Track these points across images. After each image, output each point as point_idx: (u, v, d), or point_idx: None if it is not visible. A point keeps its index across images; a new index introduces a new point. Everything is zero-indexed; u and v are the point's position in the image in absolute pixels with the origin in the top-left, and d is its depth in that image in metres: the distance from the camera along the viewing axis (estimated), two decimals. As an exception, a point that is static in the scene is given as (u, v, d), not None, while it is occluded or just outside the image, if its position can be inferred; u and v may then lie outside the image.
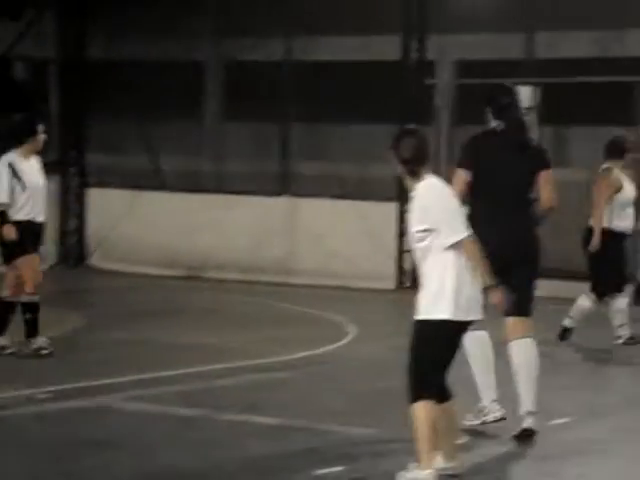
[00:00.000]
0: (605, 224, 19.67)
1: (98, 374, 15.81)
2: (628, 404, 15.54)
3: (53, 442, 12.72)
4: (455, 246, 11.08)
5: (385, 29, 26.08)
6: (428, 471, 10.94)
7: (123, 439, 13.07)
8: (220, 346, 17.98)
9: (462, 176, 13.64)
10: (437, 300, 11.16)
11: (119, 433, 13.39)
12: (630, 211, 20.06)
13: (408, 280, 25.39)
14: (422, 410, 11.04)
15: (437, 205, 11.02)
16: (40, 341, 17.27)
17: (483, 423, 14.11)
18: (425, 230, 10.90)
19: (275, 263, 25.89)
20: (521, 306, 13.26)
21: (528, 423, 13.47)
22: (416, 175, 10.98)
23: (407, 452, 12.17)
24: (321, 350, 18.49)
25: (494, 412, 14.04)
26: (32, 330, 17.35)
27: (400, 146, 11.12)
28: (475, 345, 13.59)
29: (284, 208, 26.58)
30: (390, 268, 25.78)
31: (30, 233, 16.69)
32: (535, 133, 24.65)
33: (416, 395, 11.03)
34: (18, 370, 16.45)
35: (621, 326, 19.81)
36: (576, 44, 26.28)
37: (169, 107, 29.10)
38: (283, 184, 27.28)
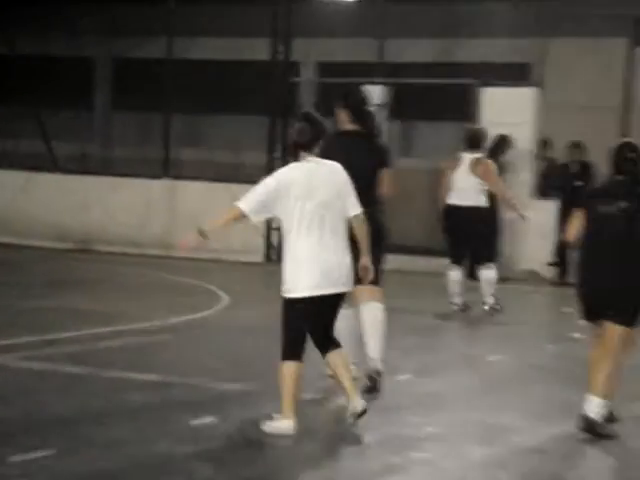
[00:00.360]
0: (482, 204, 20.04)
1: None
2: (464, 363, 15.77)
3: None
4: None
5: (256, 33, 26.12)
6: (288, 421, 11.17)
7: (17, 393, 13.03)
8: (107, 311, 18.03)
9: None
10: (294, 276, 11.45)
11: (13, 388, 13.26)
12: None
13: (274, 254, 25.58)
14: (287, 369, 11.26)
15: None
16: None
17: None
18: None
19: (156, 239, 25.91)
20: (373, 277, 13.10)
21: (374, 374, 13.73)
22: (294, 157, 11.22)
23: (273, 405, 12.23)
24: (197, 315, 18.54)
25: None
26: None
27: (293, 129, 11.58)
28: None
29: (164, 190, 26.63)
30: (259, 243, 25.76)
31: None
32: (385, 128, 24.66)
33: (284, 356, 11.21)
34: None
35: (488, 296, 20.10)
36: (421, 50, 26.42)
37: (63, 98, 28.99)
38: (164, 168, 27.18)
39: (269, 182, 11.29)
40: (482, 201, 20.00)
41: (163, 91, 27.40)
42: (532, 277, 23.96)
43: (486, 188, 19.91)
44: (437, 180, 21.16)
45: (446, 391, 13.76)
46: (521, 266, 24.09)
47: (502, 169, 21.92)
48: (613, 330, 11.34)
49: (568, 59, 25.29)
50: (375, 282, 13.47)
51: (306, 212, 11.26)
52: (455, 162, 20.39)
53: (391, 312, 15.09)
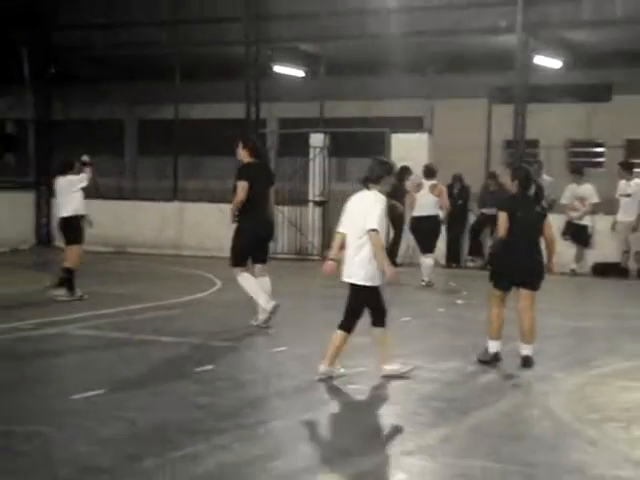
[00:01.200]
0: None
1: (62, 312, 15.72)
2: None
3: (33, 353, 12.81)
4: None
5: (235, 99, 25.99)
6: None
7: (74, 351, 13.36)
8: (136, 294, 18.03)
9: (246, 186, 14.51)
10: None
11: (72, 348, 13.56)
12: None
13: None
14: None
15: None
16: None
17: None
18: None
19: (169, 243, 25.77)
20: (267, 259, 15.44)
21: (269, 311, 14.62)
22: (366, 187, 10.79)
23: (250, 353, 13.19)
24: (198, 295, 18.57)
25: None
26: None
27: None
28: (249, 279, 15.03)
29: (175, 209, 26.28)
30: None
31: None
32: (326, 163, 24.79)
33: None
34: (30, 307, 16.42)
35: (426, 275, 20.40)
36: (349, 109, 26.46)
37: (104, 147, 28.23)
38: (174, 194, 26.75)
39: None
40: (436, 212, 20.48)
41: (172, 141, 27.13)
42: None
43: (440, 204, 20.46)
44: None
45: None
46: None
47: (405, 191, 21.61)
48: (530, 294, 11.54)
49: (448, 114, 25.31)
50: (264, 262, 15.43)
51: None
52: (418, 187, 20.79)
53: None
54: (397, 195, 21.53)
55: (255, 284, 15.01)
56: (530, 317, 11.61)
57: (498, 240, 11.92)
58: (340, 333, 11.00)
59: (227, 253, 23.88)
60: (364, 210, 10.72)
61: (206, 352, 12.85)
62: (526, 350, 11.59)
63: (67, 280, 17.12)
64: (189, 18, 25.87)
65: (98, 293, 17.80)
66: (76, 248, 17.21)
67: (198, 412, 9.62)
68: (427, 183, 20.76)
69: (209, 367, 11.74)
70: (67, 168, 17.35)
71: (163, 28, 26.39)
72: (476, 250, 23.19)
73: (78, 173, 17.09)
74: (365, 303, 11.01)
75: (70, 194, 17.05)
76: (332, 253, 11.29)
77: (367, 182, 10.87)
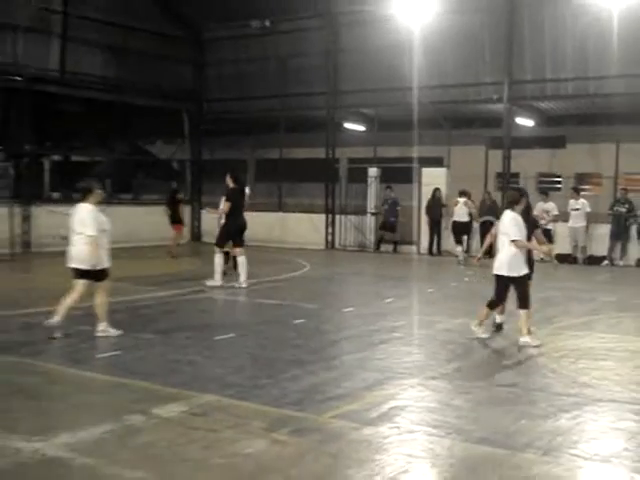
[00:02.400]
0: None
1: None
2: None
3: (191, 309, 12.81)
4: None
5: (319, 145, 25.83)
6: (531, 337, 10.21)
7: (216, 308, 13.36)
8: (254, 273, 17.51)
9: (229, 204, 15.10)
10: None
11: (215, 305, 13.64)
12: None
13: (330, 245, 25.16)
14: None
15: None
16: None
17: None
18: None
19: (276, 239, 25.45)
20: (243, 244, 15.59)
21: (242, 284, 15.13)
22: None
23: (329, 311, 12.43)
24: (294, 274, 18.30)
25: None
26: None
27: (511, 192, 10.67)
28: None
29: (279, 217, 26.09)
30: (322, 240, 25.34)
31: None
32: (378, 187, 24.81)
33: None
34: (189, 280, 16.02)
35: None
36: (393, 150, 26.18)
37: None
38: (279, 207, 26.67)
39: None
40: (467, 218, 20.99)
41: (278, 172, 27.03)
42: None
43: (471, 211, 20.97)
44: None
45: (385, 309, 13.44)
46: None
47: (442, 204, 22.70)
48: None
49: (460, 154, 25.09)
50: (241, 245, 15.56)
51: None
52: (456, 202, 21.43)
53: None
54: (435, 206, 22.14)
55: (220, 263, 15.51)
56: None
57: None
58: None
59: (312, 248, 24.39)
60: (505, 225, 10.11)
61: (299, 310, 12.65)
62: (499, 319, 10.96)
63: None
64: (291, 92, 25.94)
65: (230, 272, 17.55)
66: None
67: (295, 349, 9.66)
68: (461, 200, 21.39)
69: (302, 320, 11.70)
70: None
71: (274, 99, 26.40)
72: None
73: None
74: (508, 288, 10.33)
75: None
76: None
77: (511, 205, 10.24)
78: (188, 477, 5.36)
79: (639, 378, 8.47)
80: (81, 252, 10.04)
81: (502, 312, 10.86)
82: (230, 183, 15.52)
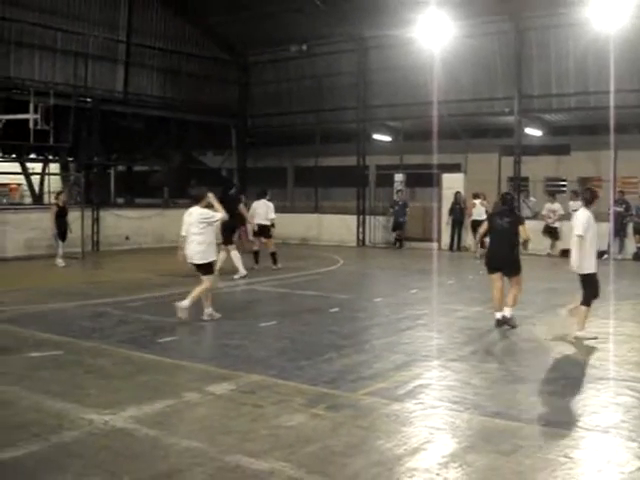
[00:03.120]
0: None
1: (251, 277, 15.69)
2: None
3: (236, 299, 12.76)
4: None
5: (351, 154, 25.75)
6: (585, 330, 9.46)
7: (259, 298, 13.27)
8: (294, 267, 17.66)
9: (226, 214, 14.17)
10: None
11: (258, 296, 13.54)
12: None
13: (361, 242, 24.98)
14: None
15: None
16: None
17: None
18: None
19: (313, 237, 25.42)
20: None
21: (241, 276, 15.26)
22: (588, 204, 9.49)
23: (361, 303, 12.38)
24: (330, 268, 18.19)
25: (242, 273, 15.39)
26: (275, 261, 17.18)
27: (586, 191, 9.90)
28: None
29: (316, 218, 25.86)
30: (354, 238, 25.21)
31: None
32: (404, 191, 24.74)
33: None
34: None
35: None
36: (416, 158, 26.09)
37: (275, 182, 28.29)
38: (316, 209, 26.60)
39: None
40: (484, 216, 20.31)
41: (314, 178, 27.14)
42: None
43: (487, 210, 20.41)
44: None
45: (410, 299, 13.33)
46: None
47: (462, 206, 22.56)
48: (514, 279, 10.27)
49: (476, 161, 25.00)
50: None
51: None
52: (473, 203, 21.44)
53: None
54: (456, 206, 22.17)
55: (238, 256, 15.60)
56: (512, 292, 10.29)
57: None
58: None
59: (345, 245, 24.38)
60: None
61: (334, 300, 12.56)
62: (507, 312, 10.22)
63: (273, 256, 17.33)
64: (326, 108, 25.98)
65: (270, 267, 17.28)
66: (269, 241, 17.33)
67: (331, 335, 9.68)
68: (477, 201, 21.36)
69: (336, 309, 11.68)
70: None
71: (311, 114, 26.55)
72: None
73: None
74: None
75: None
76: None
77: (587, 204, 9.63)
78: (237, 446, 5.42)
79: (635, 359, 8.43)
80: (193, 249, 10.44)
81: (501, 309, 10.23)
82: (222, 192, 15.39)
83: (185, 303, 10.26)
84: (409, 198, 25.30)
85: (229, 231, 15.30)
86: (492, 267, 10.40)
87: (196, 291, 10.43)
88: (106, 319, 10.67)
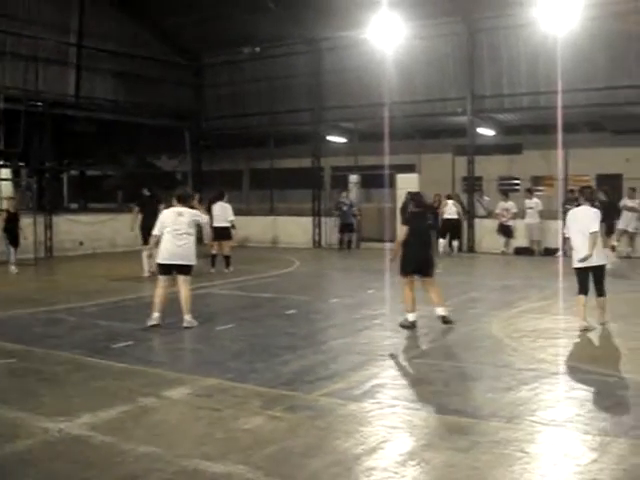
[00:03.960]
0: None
1: (208, 281, 15.62)
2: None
3: (193, 303, 12.66)
4: None
5: (306, 156, 25.58)
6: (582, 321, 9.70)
7: (217, 302, 13.20)
8: (249, 269, 17.63)
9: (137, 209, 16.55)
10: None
11: (215, 300, 13.45)
12: None
13: (317, 244, 24.94)
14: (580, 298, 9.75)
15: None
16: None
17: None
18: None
19: (268, 240, 25.23)
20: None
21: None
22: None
23: (318, 305, 12.41)
24: (286, 270, 18.07)
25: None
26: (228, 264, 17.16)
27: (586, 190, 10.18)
28: None
29: (271, 220, 25.77)
30: (310, 239, 25.10)
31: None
32: (359, 192, 24.81)
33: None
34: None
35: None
36: (372, 159, 26.07)
37: (231, 185, 27.91)
38: (271, 211, 26.54)
39: None
40: (456, 216, 21.21)
41: (269, 181, 27.20)
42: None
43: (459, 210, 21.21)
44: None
45: (367, 299, 13.14)
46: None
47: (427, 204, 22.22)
48: (431, 279, 10.29)
49: (429, 161, 25.22)
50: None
51: None
52: (445, 203, 21.65)
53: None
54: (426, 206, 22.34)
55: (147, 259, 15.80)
56: (434, 291, 10.32)
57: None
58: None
59: (301, 247, 24.32)
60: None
61: (290, 302, 12.52)
62: (442, 312, 10.28)
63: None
64: (280, 110, 25.80)
65: (234, 270, 17.39)
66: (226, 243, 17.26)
67: (287, 337, 9.65)
68: (450, 201, 21.75)
69: (293, 311, 11.64)
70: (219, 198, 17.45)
71: (265, 116, 26.32)
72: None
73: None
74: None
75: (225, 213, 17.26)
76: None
77: (587, 202, 9.82)
78: (194, 450, 5.37)
79: (589, 353, 8.54)
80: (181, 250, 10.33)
81: (413, 310, 10.14)
82: (197, 199, 16.33)
83: (187, 318, 10.26)
84: (362, 199, 25.28)
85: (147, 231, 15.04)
86: (414, 269, 10.26)
87: (184, 299, 10.35)
88: (60, 325, 10.51)
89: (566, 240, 10.25)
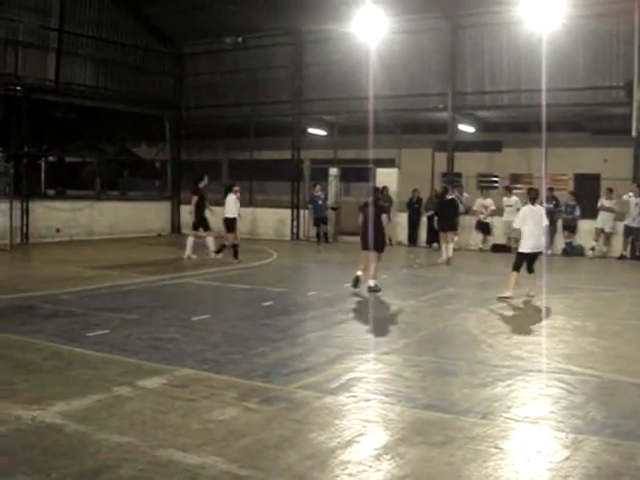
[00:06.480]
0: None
1: (186, 270, 15.60)
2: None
3: (170, 292, 12.63)
4: None
5: (286, 148, 25.68)
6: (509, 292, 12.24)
7: (194, 292, 13.13)
8: (226, 261, 17.52)
9: (196, 198, 18.19)
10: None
11: (192, 290, 13.38)
12: None
13: (295, 236, 25.02)
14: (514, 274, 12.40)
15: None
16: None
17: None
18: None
19: (247, 231, 25.06)
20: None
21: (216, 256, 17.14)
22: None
23: (296, 297, 12.38)
24: (264, 261, 18.19)
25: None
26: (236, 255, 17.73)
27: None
28: None
29: (250, 212, 25.60)
30: (288, 231, 25.19)
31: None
32: (338, 185, 24.78)
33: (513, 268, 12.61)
34: (169, 267, 15.92)
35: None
36: (350, 152, 26.08)
37: (210, 176, 27.85)
38: (250, 203, 26.21)
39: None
40: None
41: (249, 172, 27.02)
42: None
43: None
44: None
45: (344, 293, 13.22)
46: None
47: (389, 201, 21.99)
48: (373, 254, 12.78)
49: (409, 156, 25.32)
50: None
51: None
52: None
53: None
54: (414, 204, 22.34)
55: (191, 241, 18.04)
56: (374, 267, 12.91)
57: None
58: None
59: (279, 239, 24.32)
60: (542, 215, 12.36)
61: (268, 294, 12.55)
62: (371, 283, 12.87)
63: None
64: (261, 101, 25.84)
65: (210, 259, 17.51)
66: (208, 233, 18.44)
67: (264, 328, 9.63)
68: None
69: (270, 302, 11.63)
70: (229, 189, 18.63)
71: (246, 107, 26.32)
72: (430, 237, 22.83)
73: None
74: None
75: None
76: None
77: (534, 201, 12.41)
78: (169, 441, 5.33)
79: (564, 351, 8.59)
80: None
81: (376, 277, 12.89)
82: (197, 189, 18.43)
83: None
84: (341, 193, 25.26)
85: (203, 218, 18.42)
86: (367, 246, 12.89)
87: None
88: (35, 313, 10.43)
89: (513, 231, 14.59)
